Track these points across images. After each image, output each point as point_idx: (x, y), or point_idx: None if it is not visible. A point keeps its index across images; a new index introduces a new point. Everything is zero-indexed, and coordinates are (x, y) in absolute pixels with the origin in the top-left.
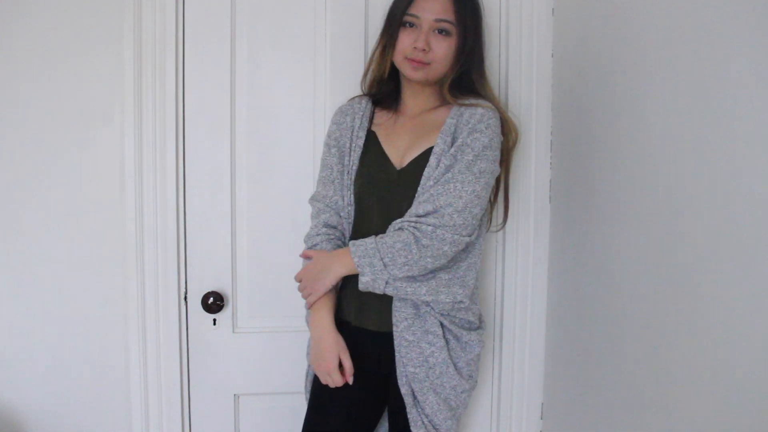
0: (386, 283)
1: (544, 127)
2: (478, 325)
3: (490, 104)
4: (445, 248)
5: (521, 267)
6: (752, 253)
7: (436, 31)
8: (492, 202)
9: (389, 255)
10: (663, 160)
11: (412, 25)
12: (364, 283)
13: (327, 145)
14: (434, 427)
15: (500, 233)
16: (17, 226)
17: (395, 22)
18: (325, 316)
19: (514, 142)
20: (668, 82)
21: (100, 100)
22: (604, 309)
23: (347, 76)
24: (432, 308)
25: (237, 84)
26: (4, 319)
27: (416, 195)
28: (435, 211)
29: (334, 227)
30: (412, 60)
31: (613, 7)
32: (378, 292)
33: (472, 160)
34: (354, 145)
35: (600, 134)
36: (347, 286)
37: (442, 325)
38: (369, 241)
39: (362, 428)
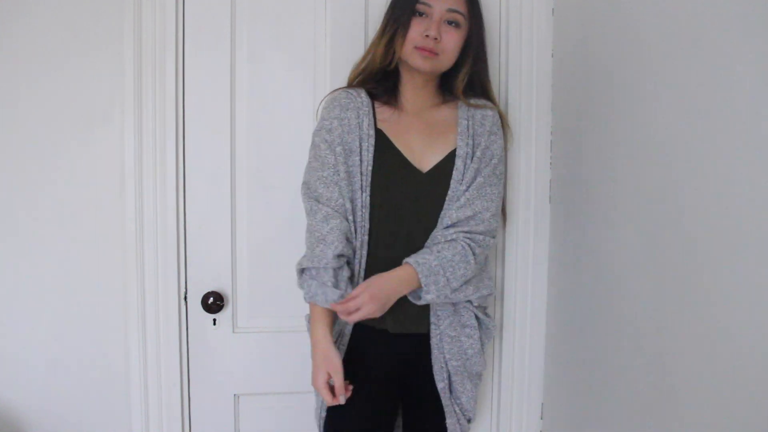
0: (446, 296)
1: (544, 127)
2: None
3: (492, 105)
4: (487, 252)
5: (521, 267)
6: (752, 253)
7: (447, 22)
8: None
9: (450, 269)
10: (663, 160)
11: (422, 14)
12: (428, 300)
13: (327, 143)
14: (464, 414)
15: (500, 233)
16: (17, 226)
17: (407, 10)
18: (320, 329)
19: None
20: (668, 82)
21: (100, 100)
22: (604, 309)
23: (347, 76)
24: (471, 303)
25: (237, 84)
26: (4, 319)
27: (448, 198)
28: (474, 216)
29: (349, 241)
30: (423, 49)
31: (613, 7)
32: (434, 302)
33: (497, 164)
34: (366, 144)
35: (600, 134)
36: None
37: (476, 317)
38: (431, 259)
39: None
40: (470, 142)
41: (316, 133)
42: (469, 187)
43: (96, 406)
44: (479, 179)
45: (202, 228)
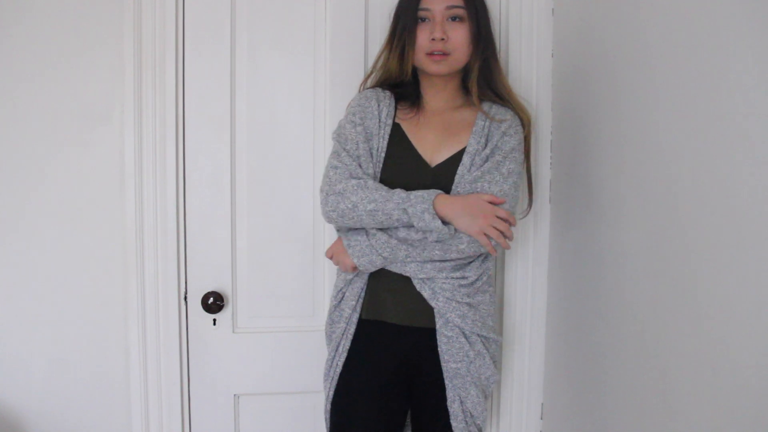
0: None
1: (544, 127)
2: None
3: (512, 106)
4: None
5: (521, 267)
6: (752, 253)
7: (449, 19)
8: None
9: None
10: (663, 160)
11: (424, 19)
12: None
13: (351, 123)
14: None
15: None
16: (17, 226)
17: (410, 20)
18: None
19: (529, 128)
20: (668, 82)
21: (100, 100)
22: (604, 309)
23: (347, 76)
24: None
25: (237, 84)
26: (4, 319)
27: (451, 192)
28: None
29: None
30: (432, 54)
31: (613, 6)
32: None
33: (501, 161)
34: (383, 132)
35: (600, 134)
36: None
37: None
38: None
39: None
40: (482, 140)
41: (342, 122)
42: (477, 170)
43: (96, 406)
44: (476, 173)
45: (202, 228)
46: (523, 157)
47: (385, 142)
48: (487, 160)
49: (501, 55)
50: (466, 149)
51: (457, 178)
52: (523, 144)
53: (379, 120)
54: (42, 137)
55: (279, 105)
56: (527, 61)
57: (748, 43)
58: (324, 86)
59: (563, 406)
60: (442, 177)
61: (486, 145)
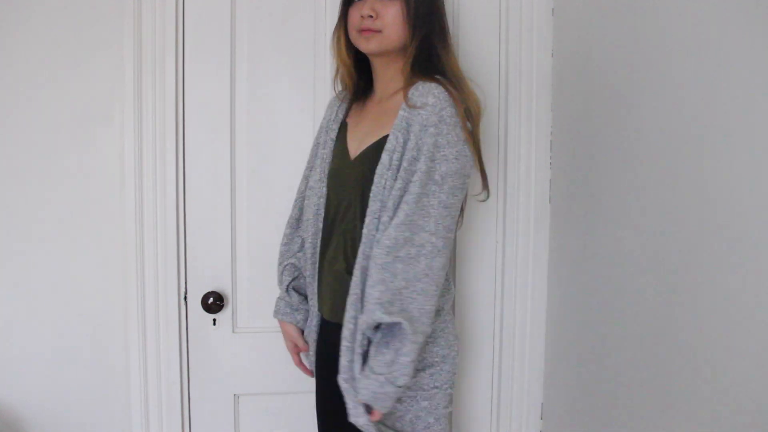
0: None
1: (544, 127)
2: None
3: (437, 85)
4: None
5: (521, 267)
6: (753, 254)
7: None
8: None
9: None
10: (663, 160)
11: None
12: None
13: (314, 140)
14: None
15: (500, 233)
16: (17, 226)
17: (342, 3)
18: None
19: (477, 114)
20: (668, 82)
21: (100, 100)
22: (604, 309)
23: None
24: None
25: (237, 84)
26: (4, 319)
27: (372, 195)
28: (412, 238)
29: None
30: (362, 30)
31: (613, 6)
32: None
33: (430, 164)
34: (327, 138)
35: (600, 134)
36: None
37: None
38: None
39: None
40: (400, 135)
41: None
42: (401, 195)
43: (96, 406)
44: (412, 187)
45: (202, 228)
46: (460, 148)
47: (330, 147)
48: (413, 162)
49: (501, 56)
50: (386, 146)
51: (376, 178)
52: (454, 134)
53: (327, 129)
54: (43, 137)
55: (279, 105)
56: (527, 61)
57: (748, 43)
58: (324, 86)
59: (563, 406)
60: (357, 169)
61: (405, 139)
